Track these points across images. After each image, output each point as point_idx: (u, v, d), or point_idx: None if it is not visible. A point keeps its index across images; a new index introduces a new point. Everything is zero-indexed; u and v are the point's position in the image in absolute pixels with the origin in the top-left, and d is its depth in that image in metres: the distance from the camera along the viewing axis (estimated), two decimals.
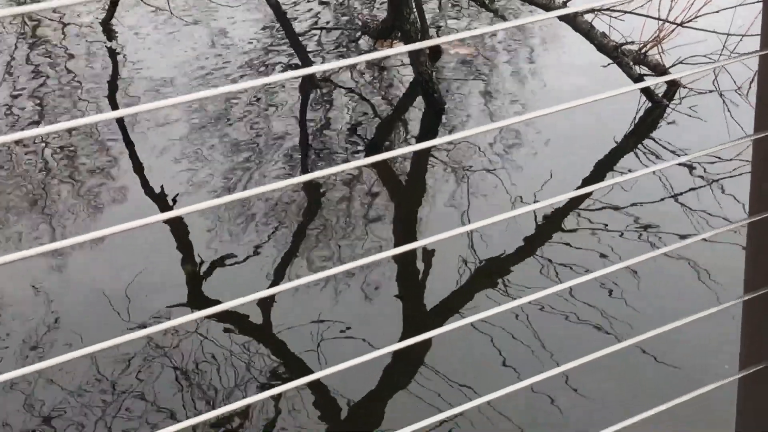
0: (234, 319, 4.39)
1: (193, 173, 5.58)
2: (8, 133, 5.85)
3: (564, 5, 5.88)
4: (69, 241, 1.74)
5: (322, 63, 6.78)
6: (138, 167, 5.71)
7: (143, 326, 4.27)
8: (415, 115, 6.26)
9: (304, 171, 5.67)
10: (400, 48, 1.72)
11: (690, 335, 4.03)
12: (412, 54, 6.12)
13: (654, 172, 5.36)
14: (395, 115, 6.35)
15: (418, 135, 6.11)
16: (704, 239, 4.30)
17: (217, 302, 4.46)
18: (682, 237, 4.76)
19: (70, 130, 5.94)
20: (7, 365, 4.08)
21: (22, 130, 5.71)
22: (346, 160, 5.69)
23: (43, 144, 5.87)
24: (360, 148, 5.89)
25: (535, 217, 5.02)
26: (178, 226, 5.05)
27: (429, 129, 6.12)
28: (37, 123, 6.12)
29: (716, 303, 2.31)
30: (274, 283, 4.69)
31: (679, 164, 5.32)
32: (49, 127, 1.66)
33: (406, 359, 4.10)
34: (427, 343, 4.07)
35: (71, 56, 7.09)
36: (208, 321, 4.31)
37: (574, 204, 5.16)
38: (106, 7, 7.40)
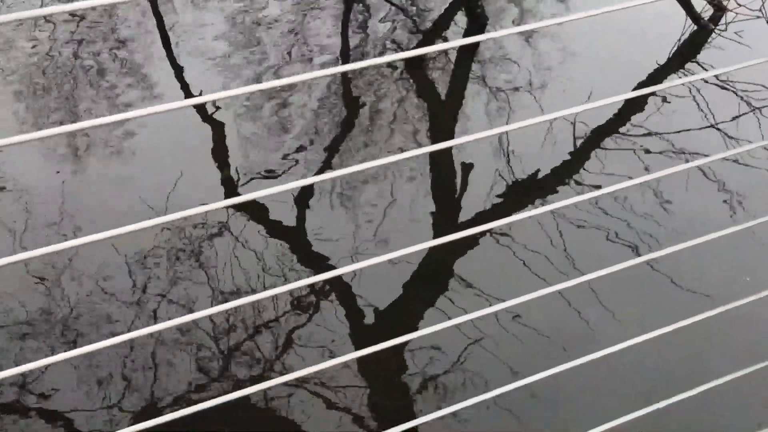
0: (261, 215, 4.41)
1: (230, 71, 5.58)
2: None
3: None
4: (92, 122, 1.75)
5: None
6: (173, 72, 5.73)
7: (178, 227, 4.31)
8: (457, 31, 6.20)
9: (345, 81, 5.65)
10: None
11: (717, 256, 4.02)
12: None
13: (694, 98, 5.30)
14: (438, 29, 6.29)
15: (459, 50, 6.05)
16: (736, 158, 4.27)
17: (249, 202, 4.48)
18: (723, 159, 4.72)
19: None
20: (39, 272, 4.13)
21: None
22: (387, 75, 5.66)
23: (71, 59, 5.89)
24: (401, 62, 5.85)
25: (573, 134, 4.99)
26: (214, 136, 5.07)
27: (471, 44, 6.05)
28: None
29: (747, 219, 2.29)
30: (307, 186, 4.70)
31: (721, 88, 5.25)
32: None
33: (435, 268, 4.12)
34: (459, 253, 4.10)
35: None
36: (236, 216, 4.33)
37: (611, 123, 5.12)
38: None
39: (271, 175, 4.80)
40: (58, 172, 4.77)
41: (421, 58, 5.92)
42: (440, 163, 4.88)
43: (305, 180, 1.88)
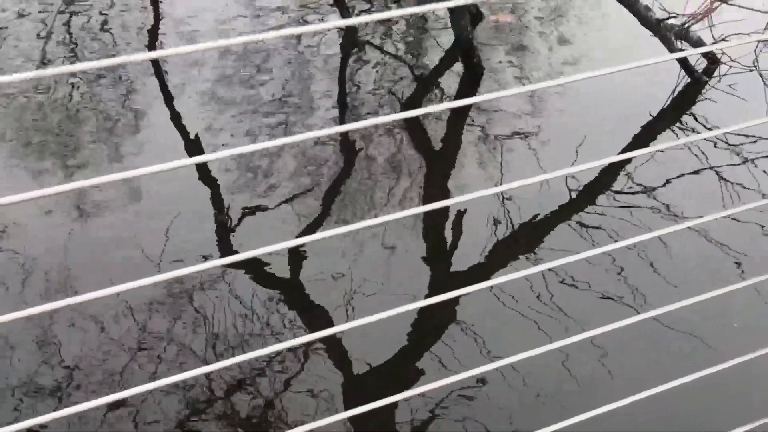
0: (257, 269, 4.42)
1: (226, 122, 5.60)
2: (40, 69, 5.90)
3: None
4: (95, 180, 1.76)
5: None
6: (168, 113, 5.75)
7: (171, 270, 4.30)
8: (453, 79, 6.24)
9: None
10: (441, 4, 1.72)
11: (722, 312, 4.03)
12: (453, 18, 6.10)
13: (690, 148, 5.34)
14: (433, 78, 6.33)
15: (455, 98, 6.08)
16: (734, 216, 4.29)
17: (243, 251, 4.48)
18: (714, 212, 4.73)
19: (99, 74, 5.99)
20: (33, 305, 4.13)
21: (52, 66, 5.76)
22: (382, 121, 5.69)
23: (71, 86, 5.92)
24: (397, 110, 5.88)
25: (567, 185, 5.02)
26: (209, 178, 5.09)
27: (467, 93, 6.10)
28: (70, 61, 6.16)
29: (743, 278, 2.31)
30: (302, 234, 4.70)
31: (715, 141, 5.29)
32: (80, 65, 1.68)
33: (431, 318, 4.12)
34: (453, 302, 4.09)
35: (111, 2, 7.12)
36: (234, 270, 4.34)
37: (606, 175, 5.15)
38: None
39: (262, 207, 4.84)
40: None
41: (418, 104, 5.97)
42: (434, 211, 4.90)
43: (299, 239, 1.90)
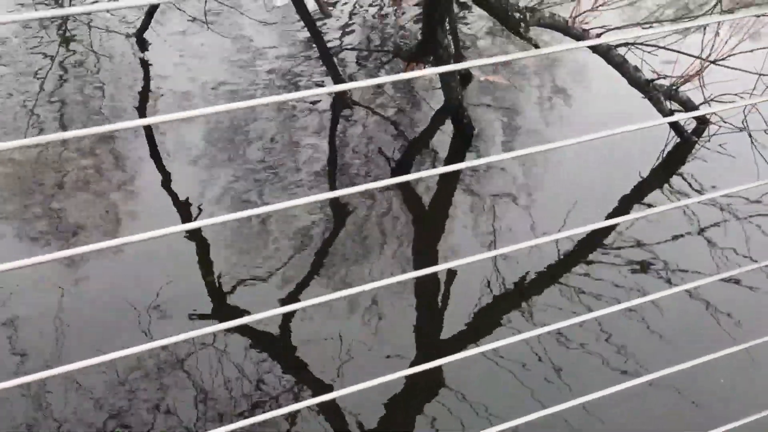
0: (251, 334, 4.39)
1: (217, 186, 5.60)
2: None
3: (598, 37, 5.86)
4: (88, 247, 1.74)
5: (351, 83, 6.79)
6: (160, 177, 5.75)
7: (164, 336, 4.28)
8: (443, 140, 6.25)
9: (331, 190, 5.67)
10: (430, 70, 1.72)
11: (711, 373, 4.01)
12: (442, 79, 6.13)
13: (684, 210, 5.35)
14: (423, 139, 6.34)
15: (445, 160, 6.10)
16: (729, 278, 4.28)
17: (237, 315, 4.46)
18: (707, 275, 4.73)
19: (93, 139, 5.99)
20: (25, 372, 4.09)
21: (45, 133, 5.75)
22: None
23: (63, 148, 5.92)
24: (387, 171, 5.89)
25: (558, 247, 5.01)
26: (199, 240, 5.07)
27: (457, 155, 6.11)
28: (62, 128, 6.16)
29: (737, 343, 2.30)
30: (293, 299, 4.69)
31: (706, 201, 5.30)
32: (73, 132, 1.67)
33: (424, 383, 4.09)
34: (447, 367, 4.06)
35: (103, 65, 7.14)
36: (226, 334, 4.31)
37: (597, 236, 5.14)
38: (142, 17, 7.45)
39: (257, 278, 4.82)
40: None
41: (408, 168, 5.97)
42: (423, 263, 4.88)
43: (292, 305, 1.88)
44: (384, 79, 1.71)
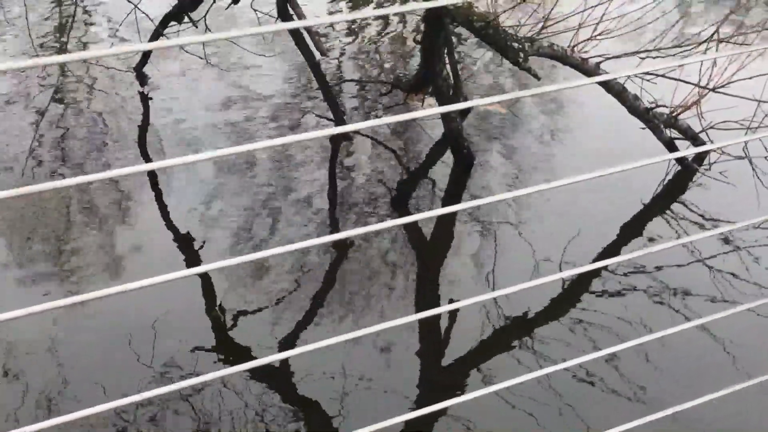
0: (252, 374, 4.37)
1: (218, 223, 5.59)
2: (35, 182, 5.90)
3: (597, 66, 5.87)
4: (89, 295, 1.74)
5: (352, 116, 6.81)
6: (161, 216, 5.74)
7: (164, 373, 4.27)
8: (443, 169, 6.25)
9: (332, 222, 5.67)
10: (432, 110, 1.72)
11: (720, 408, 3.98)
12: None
13: (679, 236, 5.34)
14: (424, 169, 6.34)
15: (446, 190, 6.09)
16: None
17: (239, 349, 4.45)
18: (712, 302, 4.73)
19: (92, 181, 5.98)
20: (27, 414, 4.06)
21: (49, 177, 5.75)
22: (374, 214, 5.69)
23: (65, 191, 5.91)
24: (387, 201, 5.88)
25: (561, 279, 5.00)
26: (202, 277, 5.06)
27: (457, 184, 6.11)
28: (63, 166, 6.17)
29: (747, 377, 2.29)
30: (295, 335, 4.67)
31: (704, 228, 5.30)
32: (73, 179, 1.66)
33: (430, 423, 4.06)
34: (451, 407, 4.04)
35: (102, 101, 7.15)
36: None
37: (598, 268, 5.13)
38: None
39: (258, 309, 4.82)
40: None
41: (407, 198, 5.97)
42: (426, 298, 4.87)
43: (291, 351, 1.87)
44: (383, 120, 1.70)
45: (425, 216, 1.56)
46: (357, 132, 6.46)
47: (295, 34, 6.32)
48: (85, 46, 8.11)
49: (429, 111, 1.82)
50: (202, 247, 5.38)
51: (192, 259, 5.28)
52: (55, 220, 5.64)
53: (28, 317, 1.69)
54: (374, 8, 8.68)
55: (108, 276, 5.06)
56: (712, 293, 4.89)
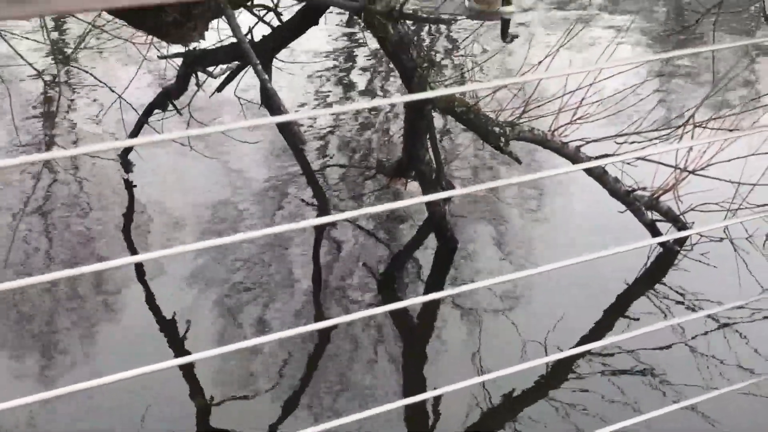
0: None
1: (201, 309, 5.59)
2: (18, 277, 5.89)
3: (578, 150, 5.94)
4: (74, 387, 1.74)
5: (334, 200, 6.86)
6: (144, 294, 5.74)
7: None
8: (427, 253, 6.28)
9: (317, 308, 5.68)
10: (417, 199, 1.75)
11: None
12: (425, 192, 6.18)
13: (666, 317, 5.36)
14: (408, 252, 6.37)
15: (430, 273, 6.12)
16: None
17: None
18: (698, 384, 4.73)
19: (79, 259, 5.98)
20: None
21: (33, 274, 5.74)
22: (359, 299, 5.70)
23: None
24: (372, 284, 5.90)
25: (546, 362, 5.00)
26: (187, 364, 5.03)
27: (442, 267, 6.13)
28: (46, 255, 6.17)
29: None
30: (280, 424, 4.64)
31: (691, 308, 5.32)
32: (57, 273, 1.68)
33: None
34: None
35: (86, 187, 7.17)
36: None
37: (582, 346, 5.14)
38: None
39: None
40: None
41: (392, 281, 5.99)
42: (412, 383, 4.87)
43: None
44: (368, 210, 1.73)
45: (409, 303, 1.57)
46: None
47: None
48: (73, 137, 8.15)
49: (412, 201, 1.85)
50: (186, 332, 5.37)
51: (176, 345, 5.27)
52: (36, 307, 5.62)
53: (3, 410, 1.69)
54: (356, 101, 8.77)
55: (91, 366, 5.04)
56: (697, 375, 4.90)
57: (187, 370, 4.98)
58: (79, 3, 1.14)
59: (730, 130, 5.76)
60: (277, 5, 6.61)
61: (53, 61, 9.29)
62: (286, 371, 5.04)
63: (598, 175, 6.01)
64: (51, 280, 1.39)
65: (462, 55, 9.64)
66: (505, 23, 10.95)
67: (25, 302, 5.63)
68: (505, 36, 10.63)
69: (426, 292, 5.82)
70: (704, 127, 6.10)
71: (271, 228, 1.68)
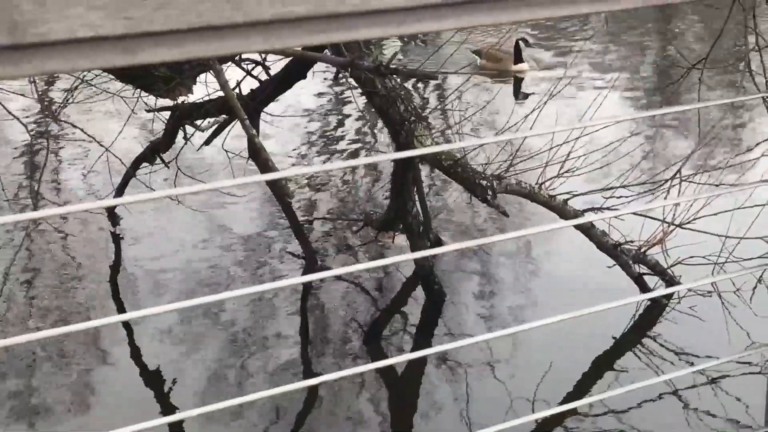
0: None
1: (187, 366, 5.56)
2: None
3: (565, 203, 5.95)
4: None
5: (323, 254, 6.85)
6: (129, 350, 5.71)
7: None
8: (415, 306, 6.26)
9: (305, 364, 5.65)
10: (405, 256, 1.74)
11: None
12: (412, 246, 6.18)
13: (657, 374, 5.35)
14: (395, 306, 6.35)
15: (417, 327, 6.10)
16: None
17: None
18: None
19: (65, 315, 5.95)
20: None
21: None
22: (346, 354, 5.68)
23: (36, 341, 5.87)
24: (359, 337, 5.88)
25: (535, 420, 4.97)
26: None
27: (429, 321, 6.12)
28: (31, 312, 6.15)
29: None
30: None
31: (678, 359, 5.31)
32: (44, 332, 1.66)
33: None
34: None
35: (73, 241, 7.16)
36: None
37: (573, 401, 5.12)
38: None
39: None
40: None
41: (379, 334, 5.96)
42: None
43: None
44: (356, 267, 1.73)
45: (397, 360, 1.57)
46: (328, 269, 6.47)
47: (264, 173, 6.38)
48: (60, 190, 8.15)
49: (399, 258, 1.84)
50: (170, 390, 5.33)
51: (163, 402, 5.23)
52: (20, 362, 5.58)
53: None
54: (344, 159, 8.81)
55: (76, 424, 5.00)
56: (688, 430, 4.88)
57: (174, 428, 4.94)
58: (72, 64, 1.16)
59: (716, 185, 5.78)
60: (264, 59, 6.63)
61: (42, 116, 9.31)
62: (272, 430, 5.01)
63: (585, 229, 6.01)
64: (35, 339, 1.37)
65: (450, 109, 9.69)
66: (518, 82, 11.02)
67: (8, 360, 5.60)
68: (518, 94, 10.69)
69: (414, 347, 5.79)
70: (690, 182, 6.12)
71: (258, 286, 1.68)
